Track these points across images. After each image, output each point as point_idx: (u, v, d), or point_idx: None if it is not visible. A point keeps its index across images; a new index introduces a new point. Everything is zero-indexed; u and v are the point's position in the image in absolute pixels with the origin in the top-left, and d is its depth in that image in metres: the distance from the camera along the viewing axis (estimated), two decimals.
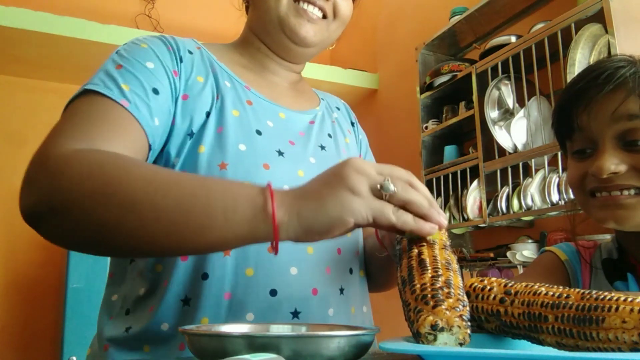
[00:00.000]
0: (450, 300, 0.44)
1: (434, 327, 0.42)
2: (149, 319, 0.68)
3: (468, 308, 0.45)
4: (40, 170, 0.58)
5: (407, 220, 0.52)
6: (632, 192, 0.67)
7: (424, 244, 0.53)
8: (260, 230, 0.52)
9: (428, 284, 0.46)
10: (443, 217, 0.55)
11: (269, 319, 0.68)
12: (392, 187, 0.52)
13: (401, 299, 0.49)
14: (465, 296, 0.46)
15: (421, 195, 0.54)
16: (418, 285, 0.46)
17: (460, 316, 0.42)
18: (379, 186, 0.52)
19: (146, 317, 0.69)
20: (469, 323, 0.43)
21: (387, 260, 0.80)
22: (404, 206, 0.53)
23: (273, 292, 0.69)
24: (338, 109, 0.97)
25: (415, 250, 0.52)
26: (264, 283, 0.69)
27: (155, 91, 0.69)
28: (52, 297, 2.67)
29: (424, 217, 0.53)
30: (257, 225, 0.51)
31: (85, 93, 0.67)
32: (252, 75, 0.84)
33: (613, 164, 0.66)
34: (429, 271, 0.48)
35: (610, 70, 0.68)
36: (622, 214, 0.67)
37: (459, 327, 0.42)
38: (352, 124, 0.99)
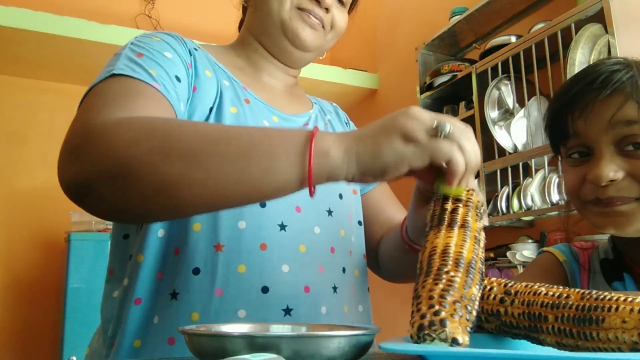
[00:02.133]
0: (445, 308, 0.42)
1: (419, 330, 0.41)
2: (141, 313, 0.68)
3: (461, 312, 0.43)
4: (85, 139, 0.55)
5: (459, 162, 0.51)
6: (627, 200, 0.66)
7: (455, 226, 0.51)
8: (321, 171, 0.52)
9: (427, 290, 0.44)
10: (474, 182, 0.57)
11: (261, 315, 0.68)
12: (448, 127, 0.51)
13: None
14: (467, 299, 0.44)
15: (473, 147, 0.53)
16: (419, 291, 0.46)
17: (441, 321, 0.41)
18: (435, 123, 0.51)
19: (138, 310, 0.69)
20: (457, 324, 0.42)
21: (410, 257, 0.79)
22: None
23: (265, 289, 0.69)
24: (330, 112, 0.98)
25: (430, 240, 0.51)
26: (256, 280, 0.69)
27: (178, 79, 0.70)
28: (52, 297, 2.67)
29: (470, 168, 0.53)
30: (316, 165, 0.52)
31: (112, 77, 0.64)
32: (249, 78, 0.84)
33: (611, 170, 0.65)
34: (432, 274, 0.46)
35: (606, 74, 0.66)
36: (621, 221, 0.66)
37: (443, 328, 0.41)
38: (346, 123, 1.00)
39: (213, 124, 0.61)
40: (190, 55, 0.76)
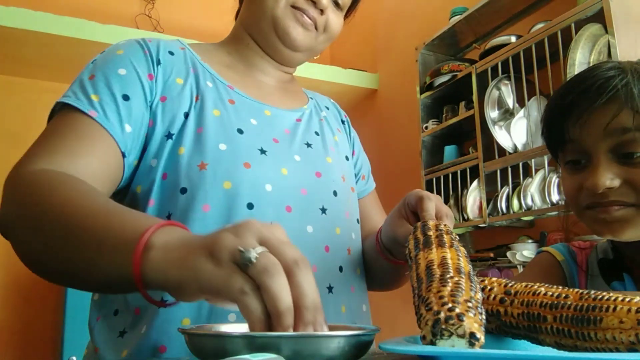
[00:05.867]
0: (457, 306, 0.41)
1: (434, 325, 0.40)
2: (134, 321, 0.68)
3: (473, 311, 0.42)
4: (5, 188, 0.62)
5: (248, 307, 0.41)
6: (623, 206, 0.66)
7: (432, 249, 0.52)
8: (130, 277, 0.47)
9: (433, 293, 0.44)
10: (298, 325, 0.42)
11: None
12: (252, 257, 0.41)
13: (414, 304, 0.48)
14: (473, 299, 0.44)
15: (284, 291, 0.41)
16: (425, 294, 0.45)
17: (458, 315, 0.40)
18: (239, 249, 0.41)
19: (132, 319, 0.68)
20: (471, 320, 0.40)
21: (387, 263, 0.79)
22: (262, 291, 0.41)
23: None
24: (327, 107, 0.97)
25: (423, 257, 0.52)
26: None
27: (126, 97, 0.70)
28: (52, 297, 2.68)
29: (274, 316, 0.41)
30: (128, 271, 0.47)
31: (60, 107, 0.71)
32: (238, 75, 0.83)
33: (608, 179, 0.65)
34: (436, 280, 0.46)
35: (601, 81, 0.66)
36: (617, 227, 0.67)
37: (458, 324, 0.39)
38: (343, 122, 0.99)
39: (84, 201, 0.57)
40: (159, 64, 0.75)
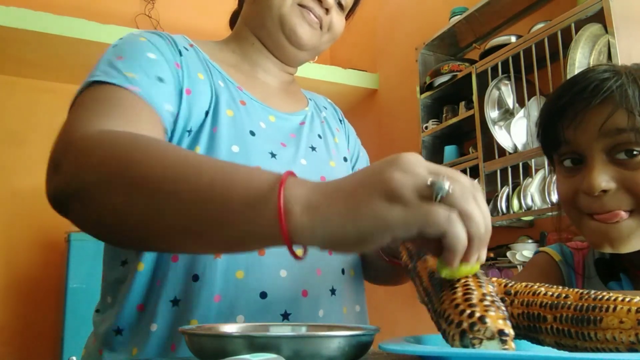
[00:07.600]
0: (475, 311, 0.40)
1: (462, 338, 0.39)
2: (140, 320, 0.68)
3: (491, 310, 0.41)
4: (64, 153, 0.56)
5: (458, 236, 0.39)
6: (624, 215, 0.65)
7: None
8: (274, 233, 0.43)
9: (459, 300, 0.42)
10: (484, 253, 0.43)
11: (259, 321, 0.67)
12: (447, 186, 0.39)
13: (430, 308, 0.47)
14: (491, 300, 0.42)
15: (481, 214, 0.41)
16: (439, 308, 0.44)
17: (480, 318, 0.39)
18: (429, 182, 0.39)
19: (137, 317, 0.68)
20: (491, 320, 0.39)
21: (387, 264, 0.79)
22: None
23: (263, 295, 0.68)
24: (325, 108, 0.97)
25: (422, 267, 0.50)
26: (254, 286, 0.68)
27: (160, 79, 0.68)
28: (52, 297, 2.68)
29: (477, 239, 0.41)
30: (271, 227, 0.43)
31: (91, 85, 0.65)
32: (243, 76, 0.83)
33: (604, 180, 0.64)
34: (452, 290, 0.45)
35: (596, 83, 0.66)
36: (616, 239, 0.66)
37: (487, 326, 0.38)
38: (340, 120, 0.99)
39: (181, 153, 0.53)
40: (181, 55, 0.74)
